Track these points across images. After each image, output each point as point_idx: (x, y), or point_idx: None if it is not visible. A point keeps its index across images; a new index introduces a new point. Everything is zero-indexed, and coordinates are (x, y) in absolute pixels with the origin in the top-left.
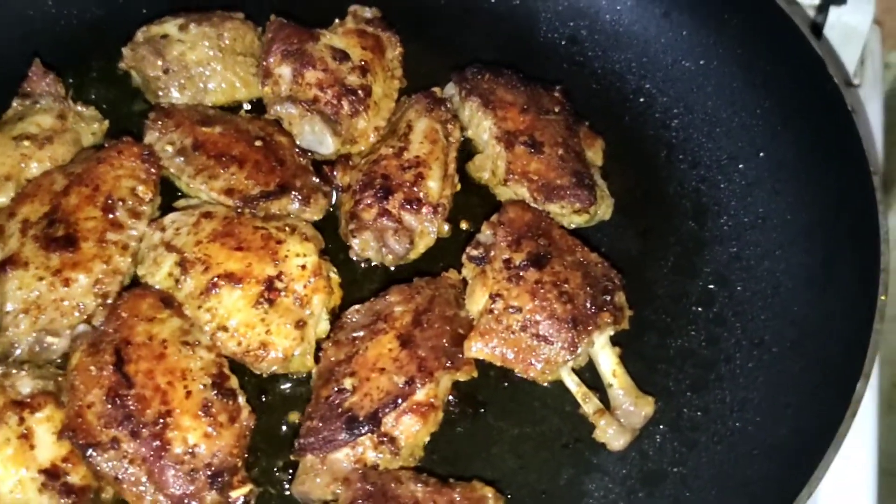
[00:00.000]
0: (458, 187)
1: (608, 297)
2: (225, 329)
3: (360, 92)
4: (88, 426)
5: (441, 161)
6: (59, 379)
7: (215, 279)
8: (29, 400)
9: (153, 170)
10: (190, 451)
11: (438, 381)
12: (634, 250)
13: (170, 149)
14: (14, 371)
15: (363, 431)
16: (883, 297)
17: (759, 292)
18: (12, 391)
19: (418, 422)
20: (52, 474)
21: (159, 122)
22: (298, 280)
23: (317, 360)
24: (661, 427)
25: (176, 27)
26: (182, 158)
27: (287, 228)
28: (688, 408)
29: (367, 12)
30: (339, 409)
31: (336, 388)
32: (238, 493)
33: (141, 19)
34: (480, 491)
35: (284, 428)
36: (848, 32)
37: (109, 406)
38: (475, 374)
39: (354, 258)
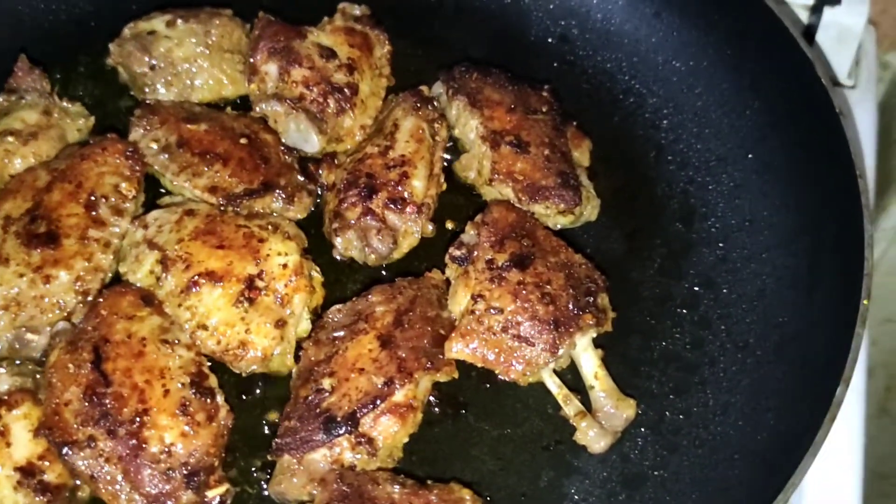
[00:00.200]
0: (444, 187)
1: (591, 299)
2: (205, 327)
3: (346, 90)
4: (65, 424)
5: (427, 160)
6: (38, 376)
7: (196, 277)
8: (6, 397)
9: (137, 167)
10: (166, 449)
11: (418, 381)
12: (620, 251)
13: (154, 146)
14: None
15: (341, 432)
16: (865, 302)
17: (745, 295)
18: None
19: (397, 423)
20: (27, 472)
21: (144, 119)
22: (279, 279)
23: (297, 359)
24: (643, 430)
25: (163, 23)
26: (166, 155)
27: (269, 227)
28: (670, 411)
29: (356, 10)
30: (318, 410)
31: (315, 389)
32: (214, 493)
33: (129, 14)
34: (458, 493)
35: (263, 427)
36: (842, 33)
37: (87, 404)
38: (456, 375)
39: (338, 257)
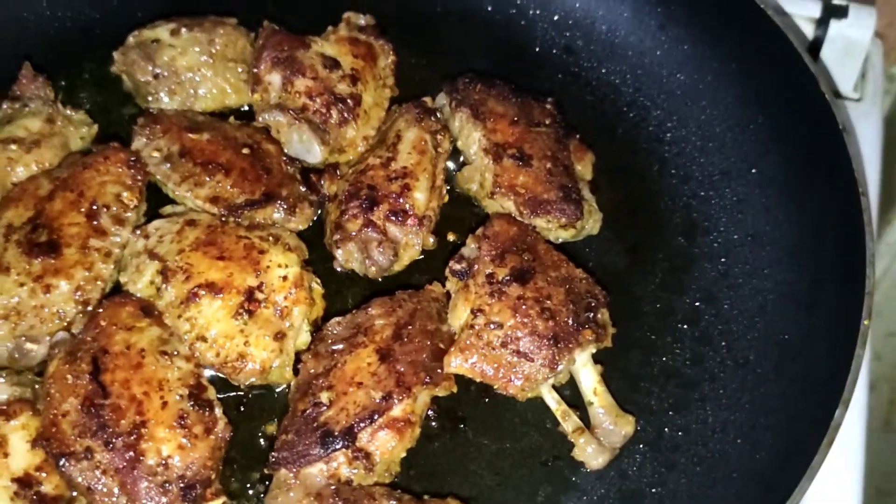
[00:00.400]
0: (446, 199)
1: (591, 315)
2: (204, 339)
3: (349, 101)
4: (62, 435)
5: (429, 172)
6: (37, 386)
7: (196, 288)
8: (5, 407)
9: (139, 176)
10: (163, 462)
11: (416, 396)
12: (622, 265)
13: (157, 155)
14: None
15: (338, 447)
16: (866, 322)
17: (746, 311)
18: None
19: (394, 438)
20: (24, 483)
21: (147, 128)
22: (279, 291)
23: (296, 371)
24: (642, 447)
25: (167, 32)
26: (168, 165)
27: (270, 238)
28: (669, 427)
29: (361, 19)
30: (315, 424)
31: (313, 402)
32: None
33: (134, 23)
34: None
35: (261, 440)
36: (849, 46)
37: (84, 415)
38: (454, 390)
39: (338, 269)
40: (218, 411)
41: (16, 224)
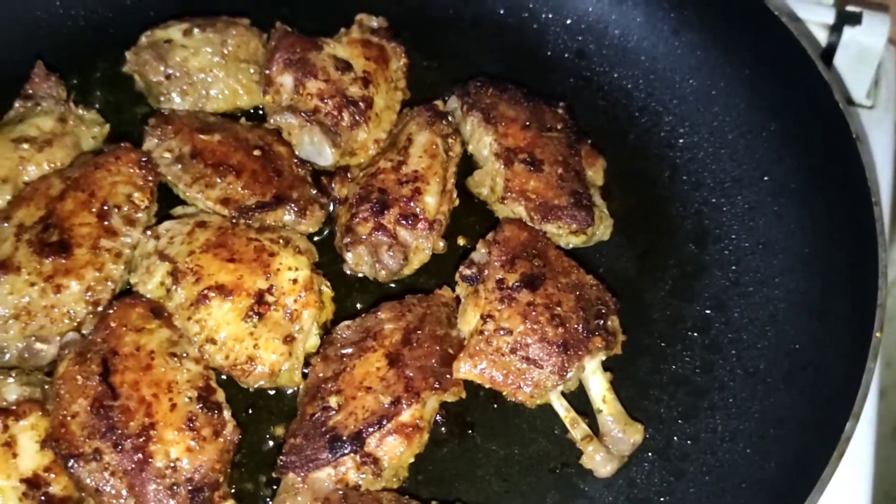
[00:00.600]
0: (457, 202)
1: (601, 322)
2: (213, 341)
3: (361, 103)
4: (72, 436)
5: (440, 176)
6: (47, 387)
7: (206, 290)
8: (14, 407)
9: (150, 177)
10: (172, 465)
11: (425, 401)
12: (632, 272)
13: (168, 156)
14: (1, 377)
15: (346, 452)
16: (878, 335)
17: (757, 320)
18: None
19: (402, 443)
20: (33, 484)
21: (158, 129)
22: (289, 294)
23: (305, 375)
24: (650, 455)
25: (180, 32)
26: (180, 166)
27: (281, 241)
28: (678, 436)
29: (374, 22)
30: (323, 428)
31: (321, 406)
32: None
33: (147, 22)
34: None
35: (270, 443)
36: (862, 53)
37: (94, 416)
38: (463, 395)
39: (348, 272)
40: (227, 414)
41: (27, 223)
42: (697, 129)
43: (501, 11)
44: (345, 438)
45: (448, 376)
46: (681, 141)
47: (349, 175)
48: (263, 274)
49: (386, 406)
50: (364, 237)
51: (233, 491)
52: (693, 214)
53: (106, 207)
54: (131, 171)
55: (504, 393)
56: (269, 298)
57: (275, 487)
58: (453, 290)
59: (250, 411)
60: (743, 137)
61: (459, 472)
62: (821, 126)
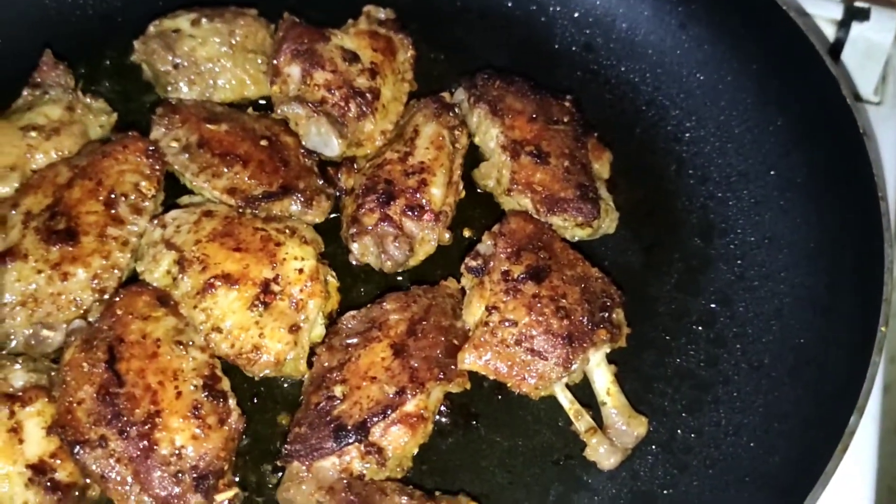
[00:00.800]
0: (463, 194)
1: (606, 314)
2: (219, 330)
3: (368, 95)
4: (78, 423)
5: (446, 168)
6: (53, 373)
7: (212, 279)
8: (21, 393)
9: (157, 166)
10: (177, 452)
11: (430, 392)
12: (638, 265)
13: (175, 145)
14: (8, 363)
15: (350, 441)
16: (883, 329)
17: (762, 314)
18: (4, 384)
19: (407, 433)
20: (39, 470)
21: (166, 118)
22: (295, 284)
23: (310, 364)
24: (654, 448)
25: (188, 22)
26: (187, 155)
27: (287, 231)
28: (682, 429)
29: (381, 13)
30: (328, 417)
31: (326, 395)
32: (223, 497)
33: (155, 11)
34: None
35: (274, 433)
36: (870, 48)
37: (99, 404)
38: (468, 386)
39: (354, 262)
40: (232, 402)
41: (34, 211)
42: (704, 124)
43: (509, 4)
44: (349, 428)
45: (453, 367)
46: (687, 135)
47: (355, 166)
48: (269, 263)
49: (391, 396)
50: (370, 228)
51: (237, 479)
52: (699, 208)
53: (113, 196)
54: (138, 159)
55: (508, 384)
56: (275, 288)
57: (279, 476)
58: (458, 282)
59: (255, 400)
60: (750, 132)
61: (463, 463)
62: (828, 121)
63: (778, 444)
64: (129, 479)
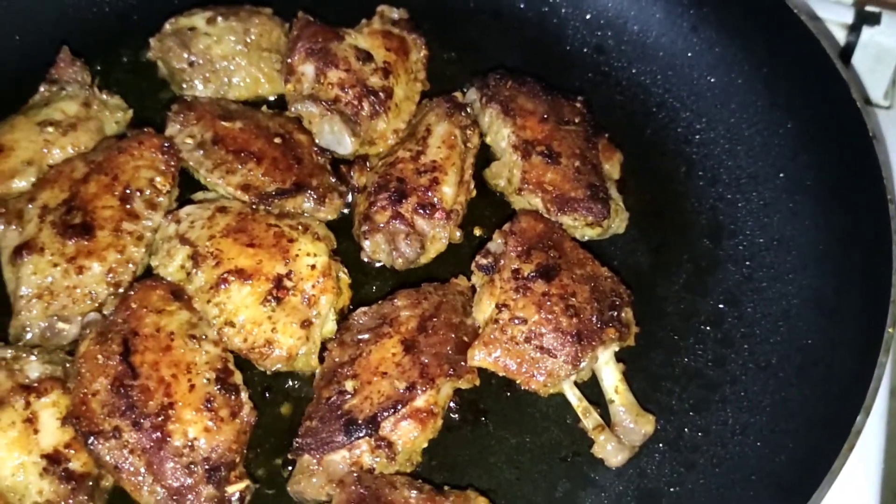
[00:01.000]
0: (474, 193)
1: (615, 313)
2: (232, 324)
3: (381, 93)
4: (92, 414)
5: (457, 167)
6: (68, 365)
7: (226, 274)
8: (36, 384)
9: (172, 162)
10: (189, 444)
11: (439, 388)
12: (647, 265)
13: (190, 141)
14: (24, 355)
15: (361, 435)
16: (890, 330)
17: (769, 315)
18: (20, 375)
19: (417, 428)
20: (53, 460)
21: (181, 115)
22: (307, 279)
23: (322, 359)
24: (661, 446)
25: (203, 20)
26: (201, 152)
27: (300, 227)
28: (689, 428)
29: (395, 13)
30: (339, 411)
31: (337, 390)
32: (234, 489)
33: (171, 10)
34: (474, 501)
35: (285, 426)
36: (880, 53)
37: (114, 395)
38: (477, 383)
39: (366, 259)
40: (244, 395)
41: (51, 205)
42: (714, 126)
43: (522, 5)
44: (360, 422)
45: (462, 363)
46: (697, 137)
47: (368, 164)
48: (282, 259)
49: (401, 391)
50: (382, 225)
51: (248, 471)
52: (708, 210)
53: (128, 191)
54: (154, 155)
55: (517, 381)
56: (288, 283)
57: (290, 469)
58: (469, 280)
59: (267, 395)
60: (759, 134)
61: (472, 459)
62: (838, 124)
63: (784, 444)
64: (143, 470)
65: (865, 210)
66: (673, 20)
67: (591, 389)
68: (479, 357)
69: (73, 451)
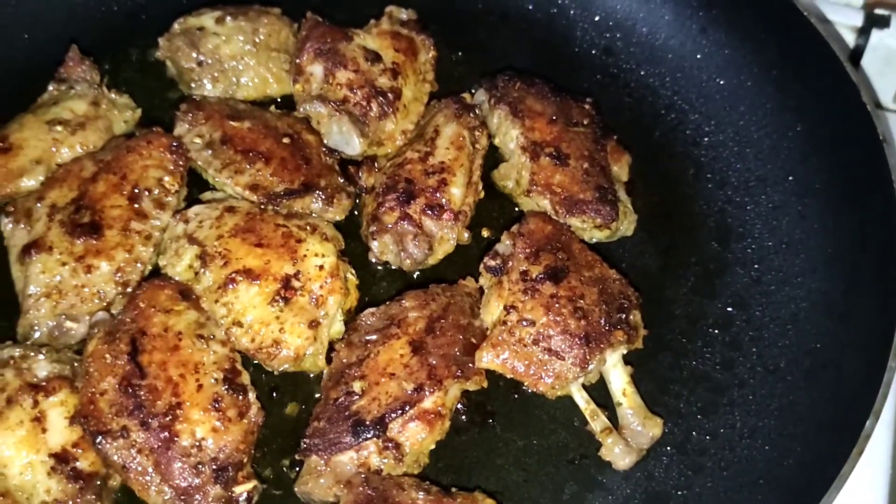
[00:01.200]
0: (482, 195)
1: (623, 315)
2: (240, 324)
3: (389, 94)
4: (100, 413)
5: (466, 168)
6: (76, 364)
7: (234, 274)
8: (44, 383)
9: (181, 161)
10: (197, 444)
11: (447, 389)
12: (655, 268)
13: (198, 141)
14: (32, 354)
15: (369, 436)
16: None
17: (778, 318)
18: (29, 374)
19: (424, 429)
20: (62, 459)
21: (189, 115)
22: (315, 280)
23: (329, 360)
24: (669, 449)
25: (212, 20)
26: (210, 151)
27: (308, 227)
28: (697, 431)
29: (403, 14)
30: (347, 412)
31: (345, 391)
32: (242, 489)
33: (180, 9)
34: (482, 502)
35: (293, 427)
36: (890, 56)
37: (121, 395)
38: (485, 385)
39: (374, 260)
40: (251, 396)
41: (59, 204)
42: (723, 128)
43: (530, 7)
44: (368, 423)
45: (470, 365)
46: (706, 139)
47: (376, 165)
48: (290, 259)
49: (409, 392)
50: (390, 226)
51: (256, 471)
52: (716, 212)
53: (137, 190)
54: (162, 155)
55: (525, 383)
56: (296, 284)
57: (297, 469)
58: (477, 281)
59: (274, 395)
60: (769, 137)
61: (479, 461)
62: (848, 127)
63: (793, 448)
64: (150, 470)
65: (875, 213)
66: (682, 22)
67: (599, 392)
68: (486, 359)
69: (80, 451)
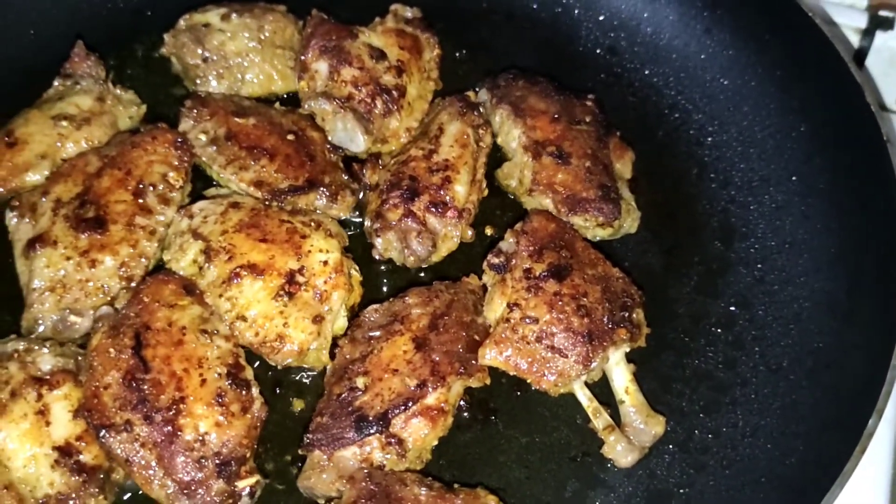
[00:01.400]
0: (486, 193)
1: (626, 314)
2: (244, 319)
3: (394, 92)
4: (103, 407)
5: (470, 166)
6: (80, 358)
7: (238, 269)
8: (48, 377)
9: (185, 157)
10: (200, 438)
11: (450, 386)
12: (658, 267)
13: (203, 137)
14: (36, 347)
15: (372, 431)
16: None
17: (781, 318)
18: (33, 367)
19: (427, 425)
20: (65, 452)
21: (195, 111)
22: (319, 275)
23: (332, 356)
24: (671, 447)
25: (218, 17)
26: (214, 147)
27: (312, 224)
28: (699, 430)
29: (408, 12)
30: (350, 408)
31: (348, 386)
32: (244, 484)
33: (186, 5)
34: (484, 499)
35: (296, 422)
36: (894, 57)
37: (125, 389)
38: (488, 381)
39: (377, 257)
40: (255, 391)
41: (64, 199)
42: (727, 128)
43: (535, 6)
44: (371, 419)
45: (473, 362)
46: (709, 139)
47: (380, 162)
48: (295, 255)
49: (412, 389)
50: (394, 223)
51: (259, 466)
52: (720, 212)
53: (141, 186)
54: (167, 150)
55: (528, 381)
56: (300, 279)
57: (300, 465)
58: (480, 279)
59: (278, 390)
60: (772, 137)
61: (481, 457)
62: (851, 128)
63: (795, 446)
64: (154, 464)
65: (878, 214)
66: (686, 22)
67: (602, 390)
68: (490, 356)
69: (84, 444)
